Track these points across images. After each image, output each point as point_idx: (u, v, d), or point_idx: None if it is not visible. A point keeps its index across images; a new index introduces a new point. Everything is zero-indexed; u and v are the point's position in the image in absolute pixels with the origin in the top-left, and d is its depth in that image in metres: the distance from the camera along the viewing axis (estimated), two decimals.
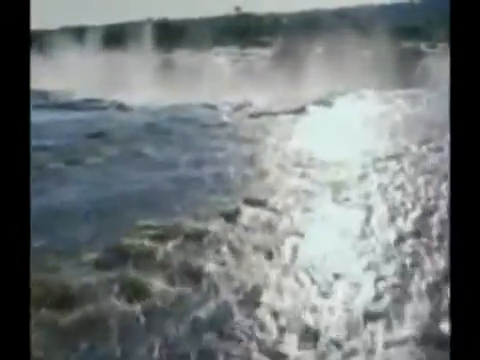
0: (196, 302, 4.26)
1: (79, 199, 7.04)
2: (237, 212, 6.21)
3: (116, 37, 29.24)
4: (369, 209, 6.34)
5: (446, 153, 8.31)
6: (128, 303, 4.23)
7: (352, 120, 12.83)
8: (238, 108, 16.08)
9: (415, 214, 6.15)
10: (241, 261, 5.01)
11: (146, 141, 10.88)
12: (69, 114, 15.56)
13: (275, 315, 4.03)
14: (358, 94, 17.92)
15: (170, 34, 32.69)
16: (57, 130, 12.26)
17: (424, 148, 9.60)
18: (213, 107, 16.36)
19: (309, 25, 29.92)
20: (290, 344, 3.68)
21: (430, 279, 4.51)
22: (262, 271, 4.78)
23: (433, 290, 4.32)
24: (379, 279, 4.56)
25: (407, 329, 3.76)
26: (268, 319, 3.98)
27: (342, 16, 34.64)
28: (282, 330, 3.84)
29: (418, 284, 4.44)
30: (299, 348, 3.63)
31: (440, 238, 5.32)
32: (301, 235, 5.59)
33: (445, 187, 6.90)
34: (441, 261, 4.80)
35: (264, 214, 6.23)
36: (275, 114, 14.34)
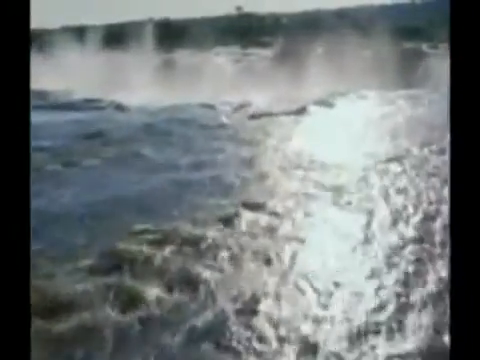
0: (193, 310, 4.16)
1: (74, 202, 6.93)
2: (236, 216, 6.11)
3: (117, 37, 29.13)
4: (370, 213, 6.24)
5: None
6: (122, 312, 4.12)
7: (353, 121, 12.74)
8: (238, 108, 15.99)
9: (417, 218, 6.05)
10: (239, 268, 4.90)
11: (144, 142, 10.77)
12: (67, 114, 15.46)
13: (274, 325, 3.92)
14: (359, 95, 17.83)
15: (171, 34, 32.60)
16: (54, 131, 12.17)
17: (426, 150, 9.50)
18: (212, 107, 16.26)
19: (310, 25, 29.83)
20: (289, 356, 3.57)
21: (433, 288, 4.40)
22: (261, 278, 4.68)
23: (437, 299, 4.21)
24: (381, 288, 4.45)
25: (410, 343, 3.65)
26: (267, 328, 3.87)
27: (343, 16, 34.57)
28: (281, 340, 3.73)
29: (421, 293, 4.33)
30: None
31: (443, 244, 5.21)
32: (301, 241, 5.49)
33: (447, 190, 6.79)
34: (444, 269, 4.69)
35: (263, 218, 6.13)
36: (276, 115, 14.24)
